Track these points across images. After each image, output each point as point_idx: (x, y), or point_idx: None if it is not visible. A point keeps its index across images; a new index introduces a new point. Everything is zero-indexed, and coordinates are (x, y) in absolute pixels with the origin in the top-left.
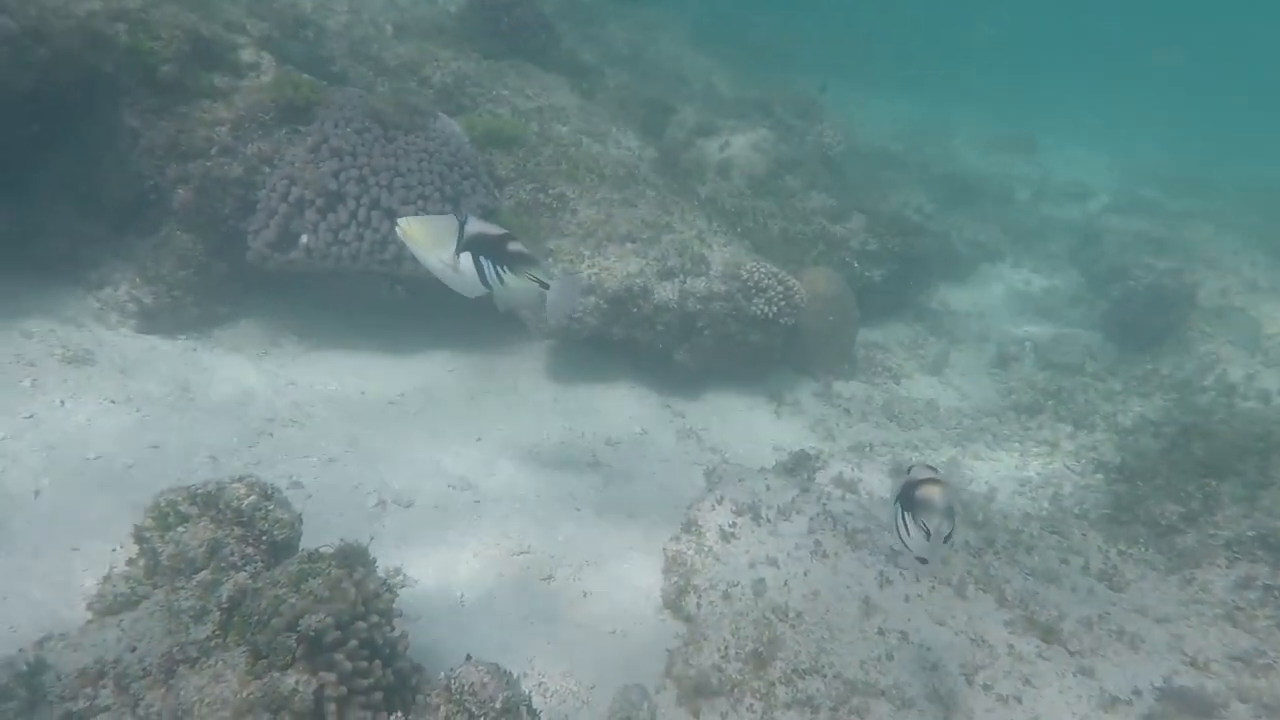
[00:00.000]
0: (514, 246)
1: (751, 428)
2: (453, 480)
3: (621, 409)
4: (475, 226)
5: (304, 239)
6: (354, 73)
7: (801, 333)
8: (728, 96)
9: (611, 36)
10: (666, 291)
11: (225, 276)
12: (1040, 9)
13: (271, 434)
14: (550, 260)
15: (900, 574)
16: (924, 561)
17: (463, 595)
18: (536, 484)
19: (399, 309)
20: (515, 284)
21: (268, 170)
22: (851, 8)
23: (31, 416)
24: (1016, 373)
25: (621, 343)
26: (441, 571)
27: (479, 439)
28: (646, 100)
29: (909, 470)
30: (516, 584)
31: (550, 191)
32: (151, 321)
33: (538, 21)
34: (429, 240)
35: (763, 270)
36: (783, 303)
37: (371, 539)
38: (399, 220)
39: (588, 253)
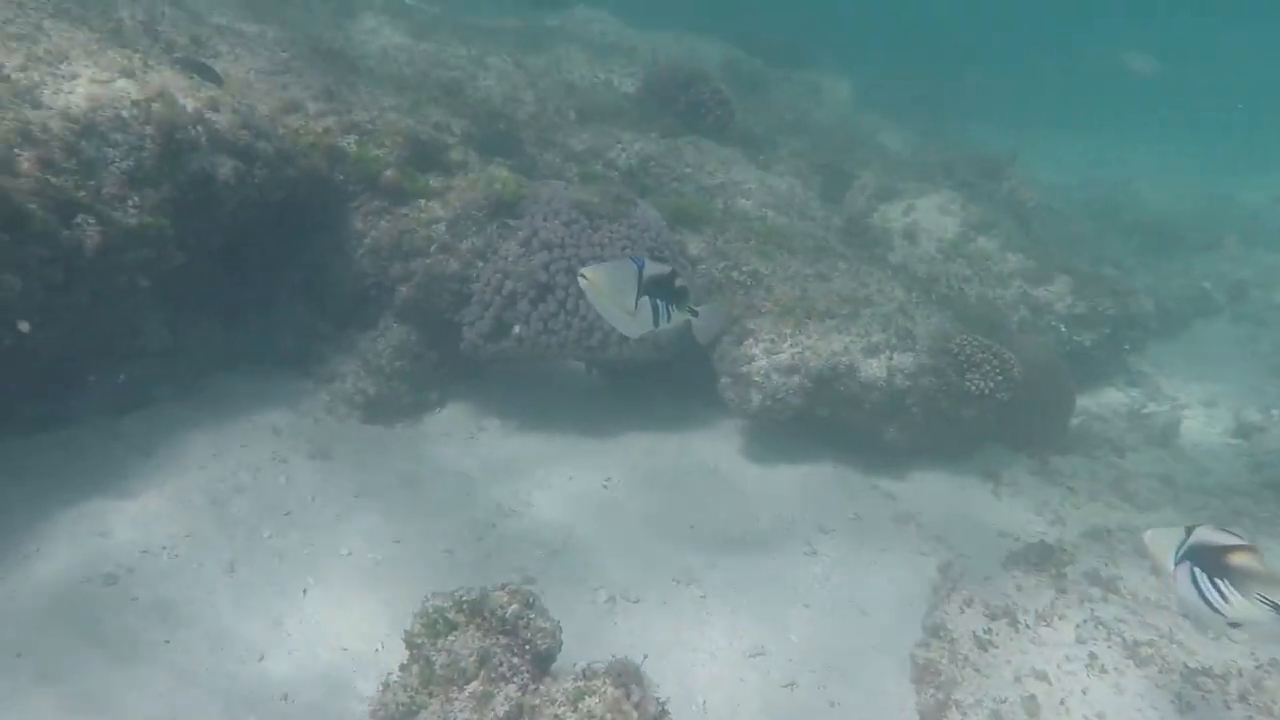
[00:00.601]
0: (679, 283)
1: (971, 510)
2: (675, 573)
3: (829, 492)
4: (651, 270)
5: (516, 329)
6: (543, 160)
7: (1014, 406)
8: (902, 155)
9: (775, 103)
10: (873, 368)
11: (435, 364)
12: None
13: (494, 524)
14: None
15: (1204, 698)
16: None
17: (705, 701)
18: (756, 575)
19: (594, 390)
20: (677, 319)
21: (481, 264)
22: (1003, 54)
23: (289, 514)
24: (1264, 444)
25: (824, 420)
26: (681, 675)
27: (692, 527)
28: (822, 167)
29: (1189, 531)
30: (758, 691)
31: (743, 269)
32: (374, 412)
33: (714, 98)
34: (613, 290)
35: (975, 343)
36: (999, 377)
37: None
38: (582, 271)
39: (789, 331)
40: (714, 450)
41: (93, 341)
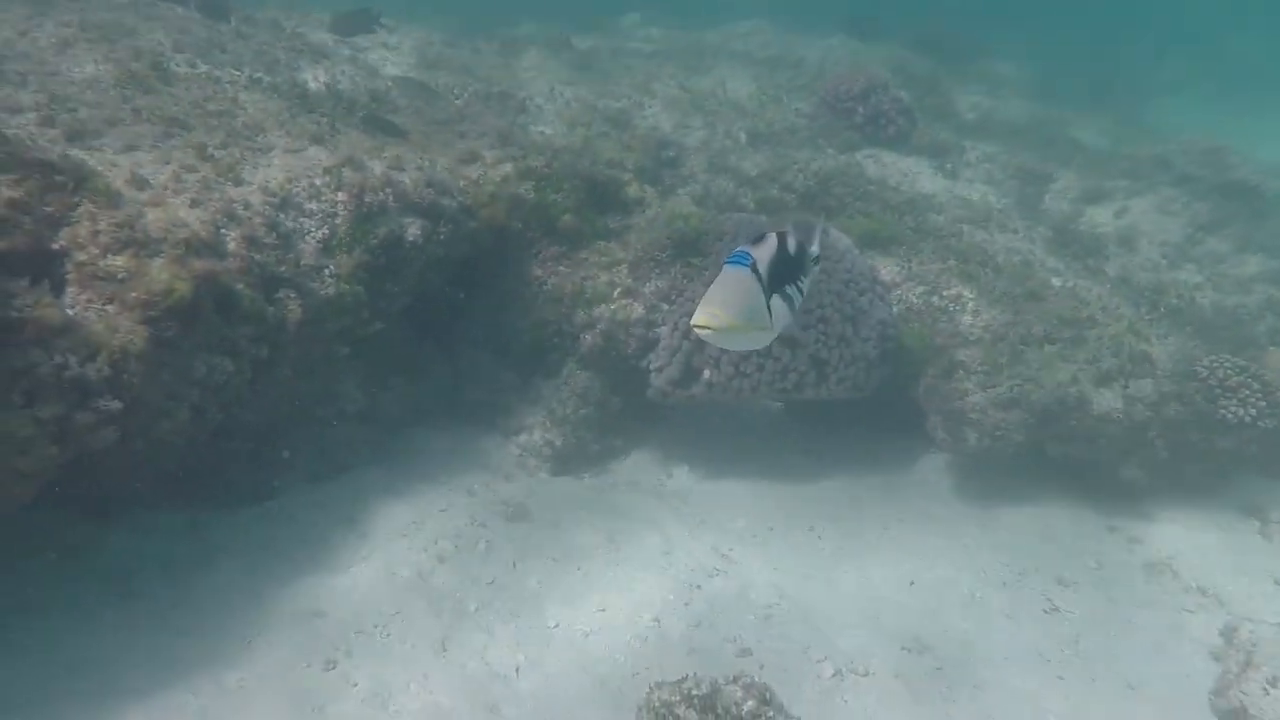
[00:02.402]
0: (794, 248)
1: (1236, 557)
2: (905, 640)
3: (1063, 537)
4: (763, 254)
5: (707, 374)
6: (715, 186)
7: (1277, 431)
8: (1101, 149)
9: (954, 104)
10: (1107, 400)
11: (619, 410)
12: None
13: (699, 586)
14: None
15: None
16: None
17: None
18: (994, 641)
19: (783, 426)
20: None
21: (666, 307)
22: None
23: (492, 582)
24: None
25: (1049, 455)
26: None
27: (912, 583)
28: (1017, 170)
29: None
30: None
31: (944, 293)
32: (563, 464)
33: (895, 108)
34: (745, 320)
35: (1227, 365)
36: (1261, 402)
37: None
38: (694, 323)
39: (1004, 360)
40: (924, 492)
41: (293, 411)
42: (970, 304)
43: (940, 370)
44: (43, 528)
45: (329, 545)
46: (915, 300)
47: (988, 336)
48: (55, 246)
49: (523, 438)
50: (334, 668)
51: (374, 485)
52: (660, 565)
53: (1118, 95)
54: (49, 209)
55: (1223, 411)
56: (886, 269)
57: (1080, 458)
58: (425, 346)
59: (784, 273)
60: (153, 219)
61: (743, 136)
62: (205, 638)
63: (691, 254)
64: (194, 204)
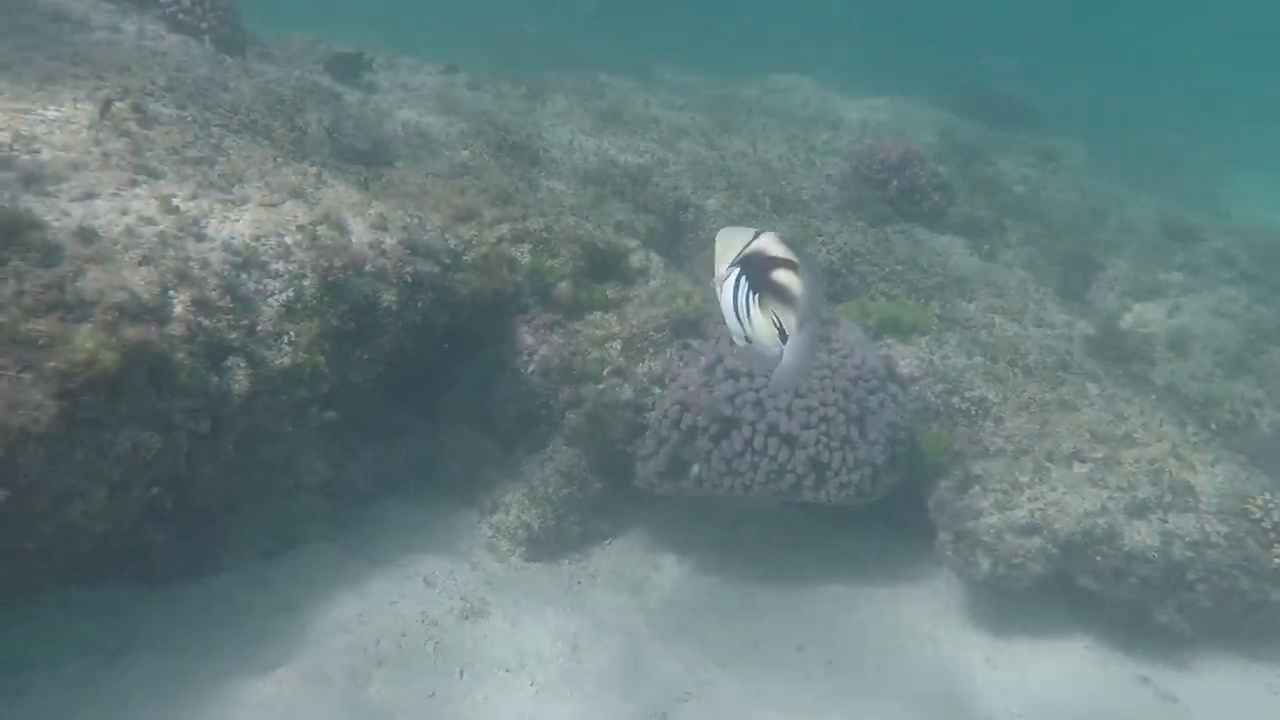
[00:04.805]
0: (779, 275)
1: None
2: None
3: (1084, 684)
4: (760, 242)
5: (695, 469)
6: None
7: None
8: (1155, 236)
9: (1000, 175)
10: (1141, 535)
11: (603, 492)
12: None
13: (665, 714)
14: (820, 305)
15: None
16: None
17: None
18: None
19: (780, 519)
20: (758, 323)
21: (658, 391)
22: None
23: (433, 695)
24: None
25: (1077, 591)
26: None
27: None
28: (1062, 255)
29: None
30: None
31: (966, 394)
32: (537, 548)
33: (931, 182)
34: (720, 251)
35: None
36: None
37: None
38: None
39: (1025, 480)
40: (929, 613)
41: (243, 483)
42: (994, 409)
43: (954, 483)
44: None
45: (263, 635)
46: (934, 399)
47: (1010, 449)
48: None
49: (497, 517)
50: None
51: (325, 566)
52: (625, 685)
53: (1184, 172)
54: None
55: (1278, 559)
56: (906, 361)
57: (1106, 595)
58: (402, 413)
59: (752, 271)
60: (91, 279)
61: (768, 202)
62: None
63: (691, 335)
64: (144, 261)
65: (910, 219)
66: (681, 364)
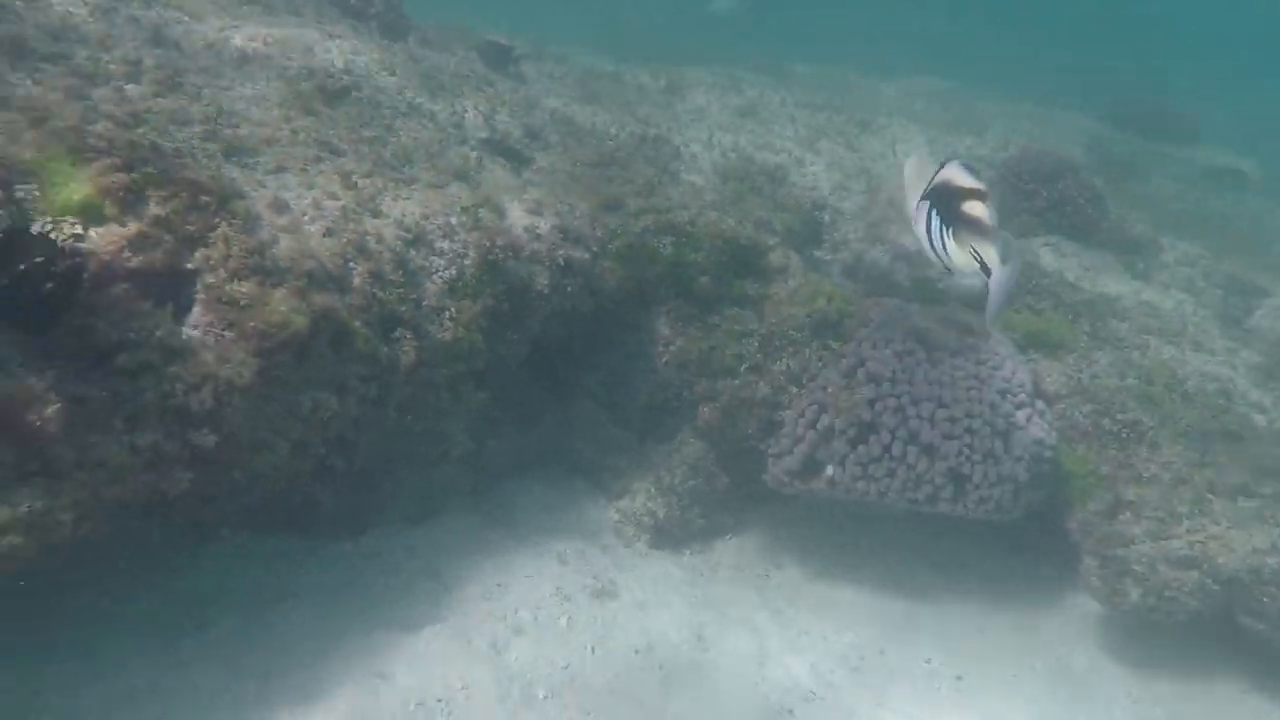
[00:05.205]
0: (969, 206)
1: None
2: None
3: None
4: (948, 172)
5: (829, 470)
6: (868, 257)
7: None
8: None
9: (1155, 193)
10: None
11: (728, 487)
12: None
13: (792, 711)
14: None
15: None
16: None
17: None
18: None
19: (904, 530)
20: (955, 255)
21: (795, 390)
22: None
23: (567, 668)
24: None
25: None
26: None
27: None
28: (1225, 278)
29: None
30: None
31: (1118, 416)
32: (662, 536)
33: (1085, 195)
34: (909, 182)
35: None
36: None
37: None
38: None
39: (1184, 510)
40: (1064, 639)
41: (397, 451)
42: (1149, 434)
43: (1103, 507)
44: (130, 545)
45: (409, 595)
46: (1081, 419)
47: (1167, 476)
48: (189, 266)
49: (624, 503)
50: None
51: (466, 536)
52: (751, 678)
53: None
54: (190, 228)
55: None
56: (1051, 378)
57: (1275, 639)
58: (540, 396)
59: (943, 203)
60: (284, 247)
61: None
62: (268, 683)
63: (831, 336)
64: (328, 233)
65: (1058, 232)
66: (821, 364)
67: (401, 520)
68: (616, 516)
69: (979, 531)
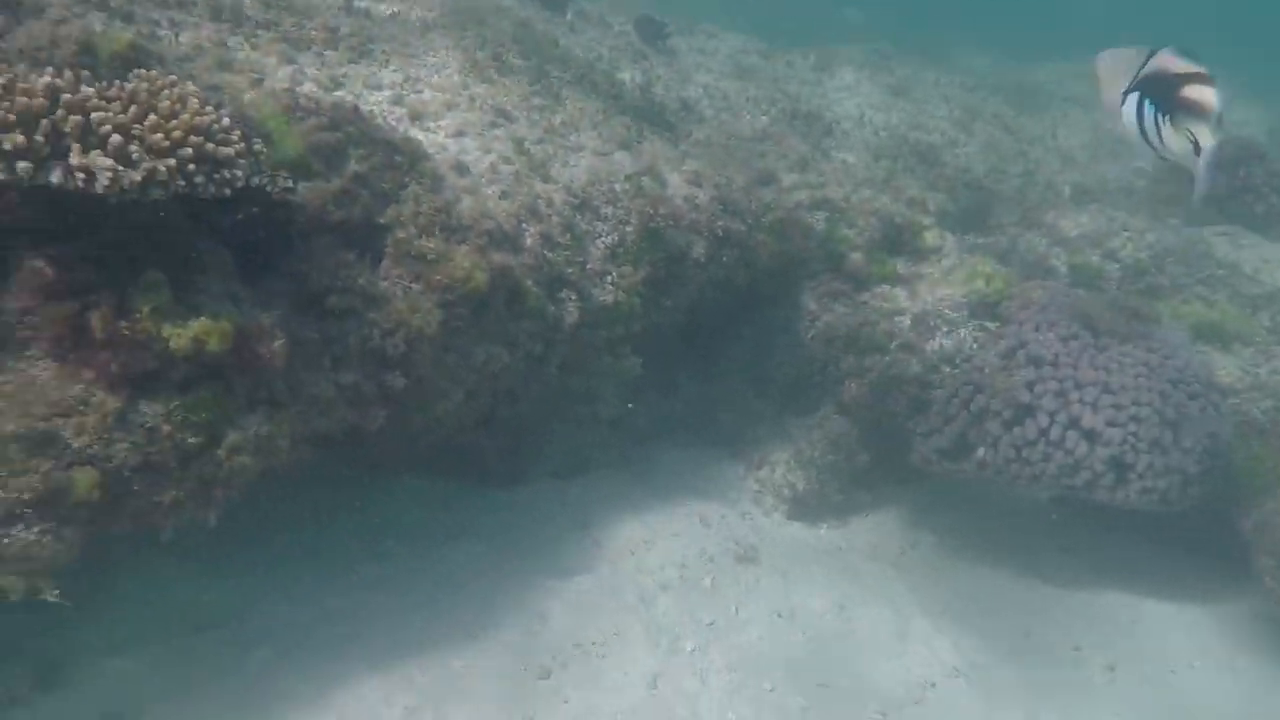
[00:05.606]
0: (1189, 91)
1: None
2: None
3: None
4: (1159, 61)
5: (980, 452)
6: (1023, 241)
7: None
8: None
9: None
10: None
11: (868, 464)
12: None
13: (935, 684)
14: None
15: None
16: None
17: None
18: None
19: (1041, 516)
20: (1173, 142)
21: (947, 370)
22: None
23: (712, 624)
24: None
25: None
26: None
27: None
28: None
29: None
30: None
31: None
32: (800, 508)
33: (1271, 184)
34: (1108, 75)
35: None
36: None
37: None
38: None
39: None
40: (1229, 640)
41: (554, 407)
42: None
43: None
44: (322, 484)
45: (562, 545)
46: (1259, 416)
47: None
48: (380, 221)
49: (764, 473)
50: (548, 677)
51: (612, 492)
52: (893, 650)
53: None
54: (384, 186)
55: None
56: (1225, 371)
57: None
58: (686, 363)
59: (1157, 92)
60: (466, 206)
61: (1066, 190)
62: (438, 615)
63: (988, 317)
64: (504, 196)
65: (1236, 221)
66: (977, 345)
67: (553, 475)
68: (756, 486)
69: (1137, 523)
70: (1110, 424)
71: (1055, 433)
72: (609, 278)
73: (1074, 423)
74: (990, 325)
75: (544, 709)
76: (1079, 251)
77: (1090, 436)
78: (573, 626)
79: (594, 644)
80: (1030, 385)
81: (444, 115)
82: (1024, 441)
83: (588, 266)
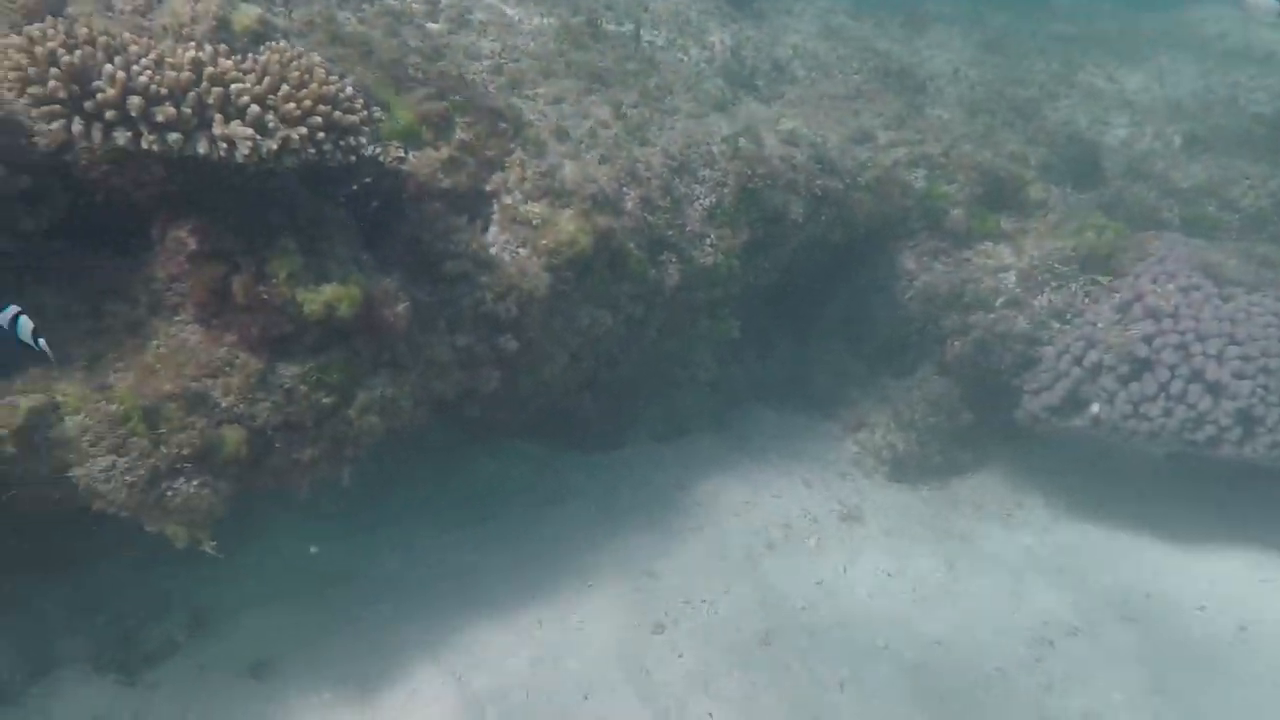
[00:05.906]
0: None
1: None
2: None
3: None
4: None
5: (1094, 408)
6: (1130, 193)
7: None
8: None
9: None
10: None
11: (970, 424)
12: None
13: (1053, 642)
14: None
15: None
16: None
17: None
18: None
19: (1161, 474)
20: None
21: (1057, 326)
22: None
23: (820, 584)
24: None
25: None
26: None
27: None
28: None
29: None
30: None
31: None
32: (900, 469)
33: None
34: None
35: None
36: None
37: None
38: None
39: None
40: None
41: (652, 370)
42: None
43: None
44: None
45: (664, 506)
46: None
47: None
48: (487, 188)
49: (863, 435)
50: (662, 632)
51: (710, 455)
52: (1006, 608)
53: None
54: (489, 153)
55: None
56: None
57: None
58: (779, 324)
59: None
60: (569, 171)
61: (1177, 140)
62: (551, 570)
63: (1099, 270)
64: (603, 160)
65: None
66: (1089, 300)
67: (652, 438)
68: (855, 448)
69: (1262, 481)
70: (1238, 376)
71: (1176, 387)
72: (708, 239)
73: (1197, 375)
74: (1103, 279)
75: (659, 663)
76: (1192, 203)
77: (1215, 390)
78: (682, 584)
79: (704, 601)
80: (1149, 339)
81: (541, 83)
82: (1142, 397)
83: (687, 229)
